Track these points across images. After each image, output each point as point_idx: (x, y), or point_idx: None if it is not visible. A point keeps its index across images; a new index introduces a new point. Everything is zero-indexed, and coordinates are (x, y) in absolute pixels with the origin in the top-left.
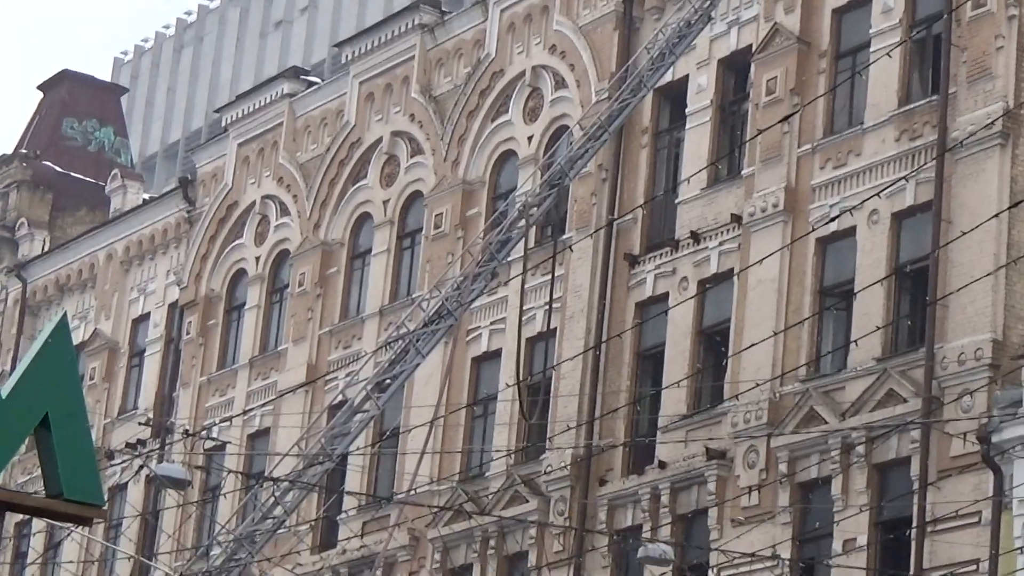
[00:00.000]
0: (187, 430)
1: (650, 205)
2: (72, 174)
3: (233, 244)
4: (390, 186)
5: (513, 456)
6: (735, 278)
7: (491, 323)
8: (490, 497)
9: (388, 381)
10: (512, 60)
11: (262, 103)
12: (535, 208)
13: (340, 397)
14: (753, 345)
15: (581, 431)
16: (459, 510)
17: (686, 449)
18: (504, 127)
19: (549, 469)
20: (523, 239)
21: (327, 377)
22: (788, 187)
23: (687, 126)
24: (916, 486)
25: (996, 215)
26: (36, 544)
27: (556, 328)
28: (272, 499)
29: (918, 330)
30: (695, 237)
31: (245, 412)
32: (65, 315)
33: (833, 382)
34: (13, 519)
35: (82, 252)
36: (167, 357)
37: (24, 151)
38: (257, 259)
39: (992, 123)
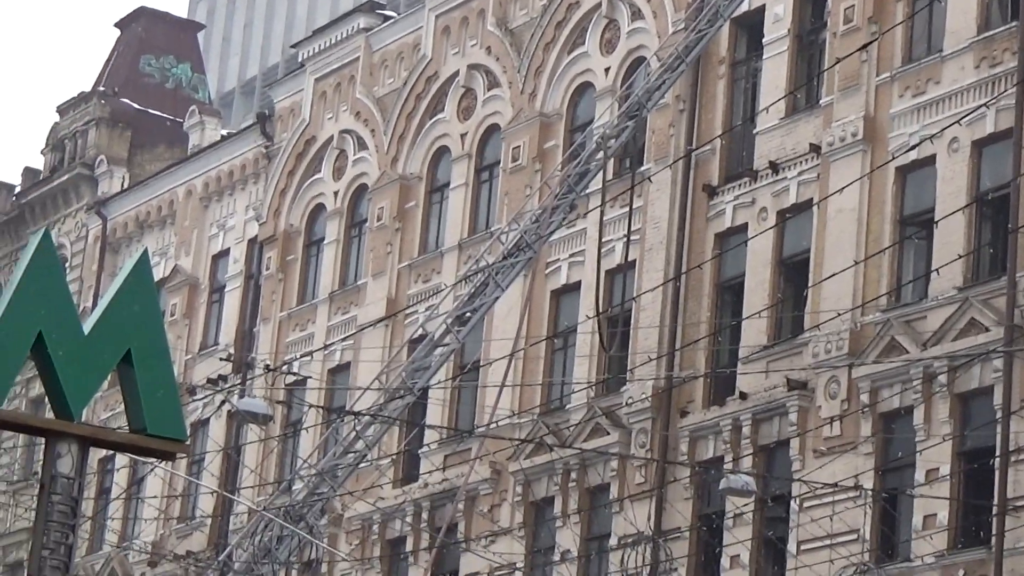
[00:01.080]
0: (268, 365)
1: (728, 136)
2: (150, 111)
3: (311, 179)
4: (467, 119)
5: (594, 388)
6: (814, 208)
7: (570, 255)
8: (571, 429)
9: (468, 314)
10: None
11: (338, 38)
12: (613, 140)
13: (420, 331)
14: (833, 275)
15: (662, 363)
16: (540, 443)
17: (767, 380)
18: (581, 59)
19: (630, 401)
20: (601, 171)
21: (407, 311)
22: (867, 116)
23: (764, 56)
24: (999, 415)
25: None
26: (120, 479)
27: (635, 260)
28: (353, 433)
29: (999, 258)
30: (774, 167)
31: (325, 347)
32: (146, 252)
33: (914, 311)
34: (97, 455)
35: (161, 189)
36: (247, 292)
37: (102, 89)
38: (335, 194)
39: None
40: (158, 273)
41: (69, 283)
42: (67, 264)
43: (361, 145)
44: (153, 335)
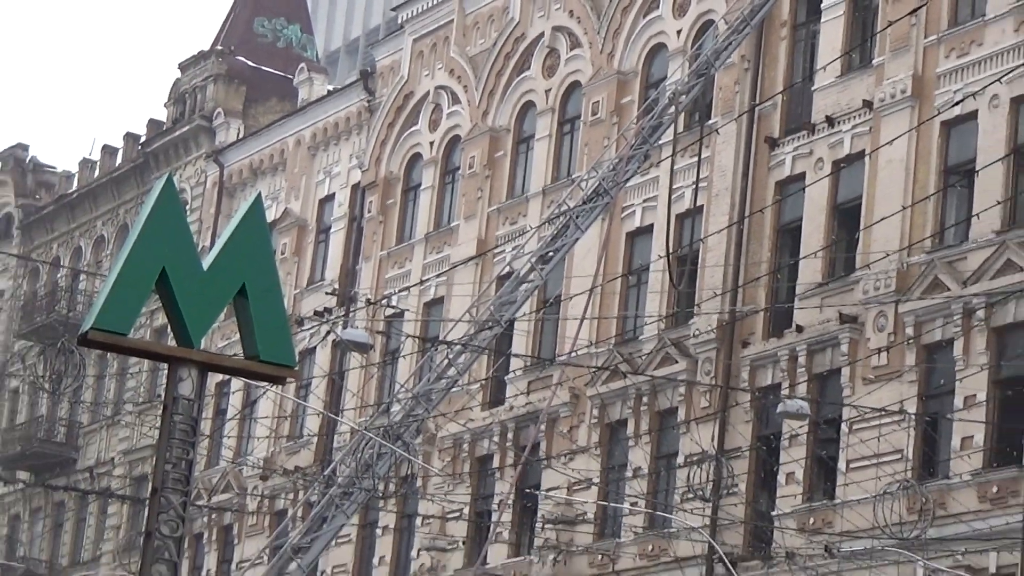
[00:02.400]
0: (369, 299)
1: (788, 92)
2: (263, 68)
3: (409, 130)
4: (551, 77)
5: (664, 321)
6: (866, 158)
7: (643, 200)
8: (643, 358)
9: (550, 254)
10: None
11: (435, 1)
12: (684, 96)
13: (507, 268)
14: (883, 219)
15: (725, 298)
16: (615, 370)
17: (821, 314)
18: (655, 22)
19: (697, 332)
20: (673, 124)
21: (495, 250)
22: (915, 75)
23: (822, 19)
24: None
25: None
26: (235, 401)
27: (703, 205)
28: (446, 361)
29: None
30: (830, 121)
31: (421, 282)
32: (259, 196)
33: (956, 253)
34: (214, 379)
35: (273, 139)
36: (350, 233)
37: (219, 48)
38: (431, 144)
39: None
40: (270, 215)
41: (189, 224)
42: (187, 207)
43: (454, 100)
44: (265, 271)
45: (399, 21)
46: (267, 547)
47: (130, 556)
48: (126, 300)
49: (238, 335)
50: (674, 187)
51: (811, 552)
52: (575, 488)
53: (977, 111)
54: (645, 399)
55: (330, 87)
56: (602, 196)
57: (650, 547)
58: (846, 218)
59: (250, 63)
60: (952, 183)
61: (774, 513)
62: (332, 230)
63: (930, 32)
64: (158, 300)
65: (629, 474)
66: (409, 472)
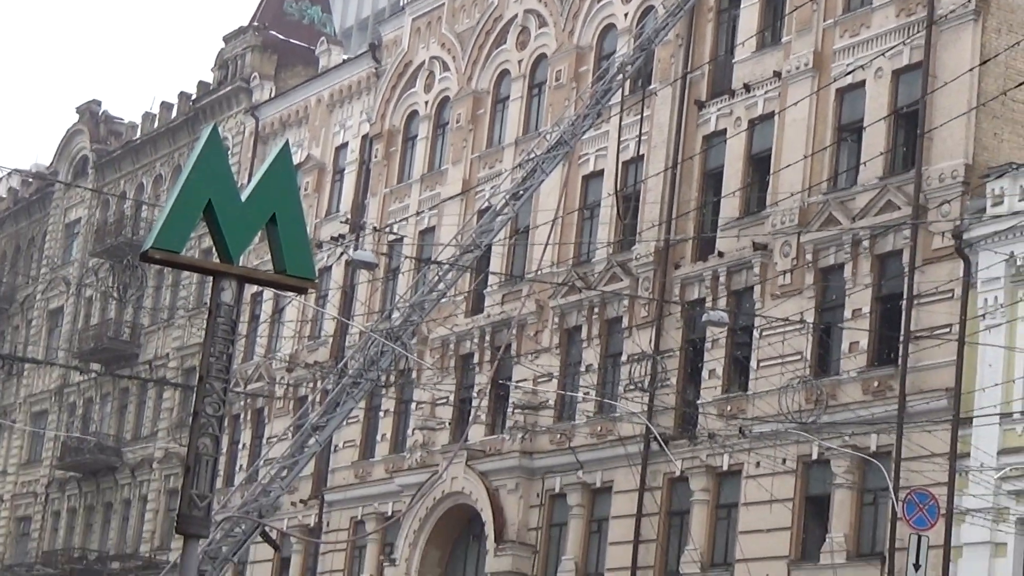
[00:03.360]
0: (375, 227)
1: (714, 63)
2: (291, 41)
3: (408, 92)
4: (523, 50)
5: (611, 247)
6: (776, 117)
7: (596, 150)
8: (595, 276)
9: (521, 192)
10: None
11: None
12: (629, 66)
13: (486, 203)
14: (788, 166)
15: (662, 229)
16: (572, 286)
17: (738, 242)
18: (607, 6)
19: (638, 256)
20: (620, 89)
21: (477, 189)
22: (815, 51)
23: (741, 5)
24: (906, 270)
25: (969, 70)
26: (266, 308)
27: (644, 154)
28: (437, 277)
29: (911, 156)
30: (747, 87)
31: (417, 214)
32: (287, 143)
33: (847, 194)
34: (250, 290)
35: (298, 98)
36: (360, 174)
37: (256, 24)
38: (426, 103)
39: (968, 2)
40: (295, 159)
41: (231, 165)
42: (229, 152)
43: (445, 68)
44: (292, 203)
45: (401, 3)
46: (291, 426)
47: (181, 432)
48: (179, 225)
49: (269, 255)
50: (621, 139)
51: (728, 433)
52: (539, 380)
53: (865, 80)
54: (596, 309)
55: (345, 56)
56: (563, 146)
57: (599, 428)
58: (759, 165)
59: (280, 36)
60: (844, 138)
61: (699, 401)
62: (346, 171)
63: (828, 16)
64: (205, 226)
65: (583, 369)
66: (406, 366)
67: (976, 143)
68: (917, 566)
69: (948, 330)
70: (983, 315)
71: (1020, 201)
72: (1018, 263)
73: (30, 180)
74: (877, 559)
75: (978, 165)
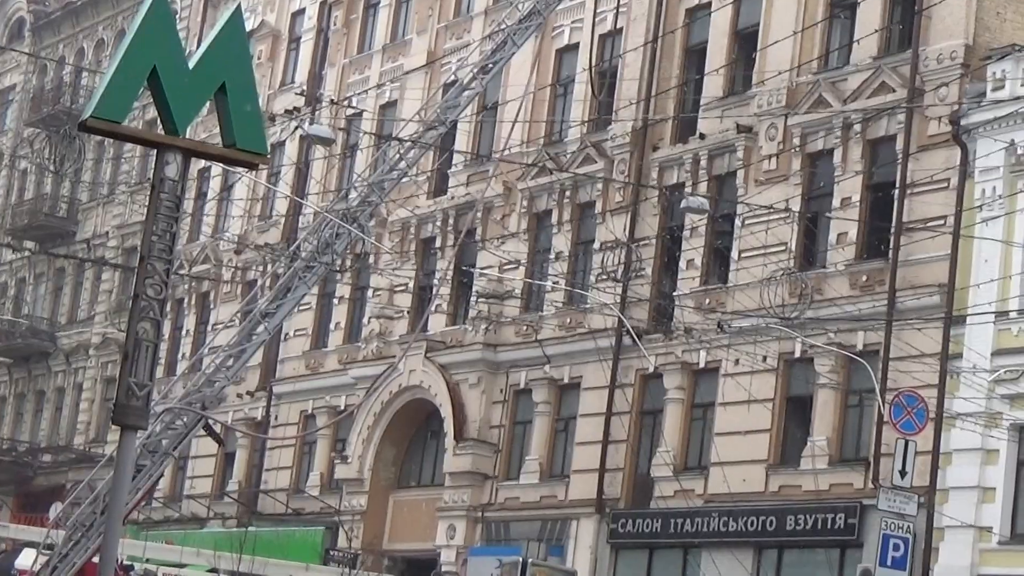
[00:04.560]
0: (332, 100)
1: None
2: None
3: None
4: None
5: (585, 126)
6: None
7: (571, 22)
8: (567, 157)
9: (490, 65)
10: None
11: None
12: None
13: (452, 77)
14: (776, 43)
15: (639, 107)
16: (543, 167)
17: (721, 124)
18: None
19: (614, 136)
20: None
21: (442, 61)
22: None
23: None
24: (900, 157)
25: None
26: (214, 185)
27: (622, 27)
28: (398, 155)
29: (907, 35)
30: None
31: (378, 87)
32: (239, 6)
33: (838, 74)
34: (197, 165)
35: None
36: (318, 43)
37: None
38: None
39: None
40: (248, 25)
41: (178, 31)
42: (177, 16)
43: None
44: (243, 71)
45: None
46: (239, 312)
47: (120, 316)
48: (121, 92)
49: (218, 127)
50: (598, 11)
51: (706, 328)
52: (505, 268)
53: None
54: (568, 192)
55: None
56: (536, 17)
57: (568, 320)
58: (745, 42)
59: None
60: (837, 14)
61: (675, 293)
62: (302, 40)
63: None
64: (150, 95)
65: (552, 257)
66: (363, 250)
67: (977, 22)
68: (903, 473)
69: (942, 222)
70: (980, 207)
71: (1022, 86)
72: (1018, 152)
73: None
74: (861, 464)
75: (979, 46)
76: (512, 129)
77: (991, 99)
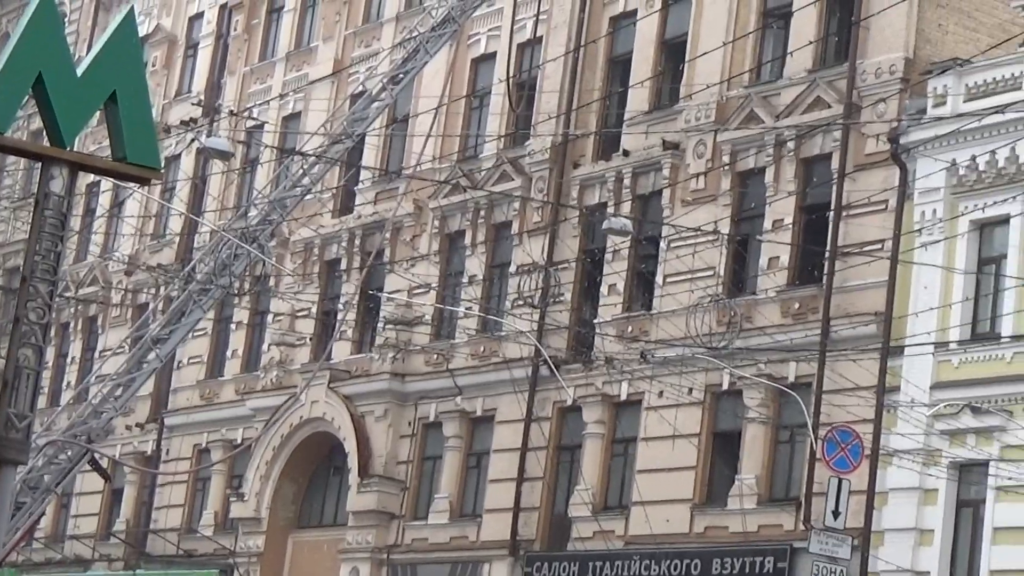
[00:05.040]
0: (232, 110)
1: None
2: None
3: None
4: None
5: (502, 140)
6: None
7: (488, 29)
8: (482, 174)
9: (401, 75)
10: None
11: None
12: None
13: (360, 87)
14: (705, 54)
15: (560, 122)
16: (456, 184)
17: (646, 140)
18: None
19: (532, 152)
20: None
21: (350, 70)
22: None
23: None
24: (835, 177)
25: None
26: (103, 201)
27: (542, 36)
28: (301, 170)
29: (844, 47)
30: None
31: (281, 97)
32: (132, 10)
33: (771, 88)
34: (85, 179)
35: None
36: (217, 49)
37: None
38: None
39: None
40: (142, 30)
41: (66, 35)
42: (66, 19)
43: None
44: (135, 80)
45: None
46: (128, 337)
47: None
48: (4, 101)
49: (108, 140)
50: (516, 18)
51: (628, 358)
52: (415, 292)
53: None
54: (483, 212)
55: None
56: (450, 24)
57: (481, 348)
58: (672, 52)
59: None
60: (769, 24)
61: (596, 321)
62: (200, 46)
63: None
64: (34, 104)
65: (465, 281)
66: (263, 272)
67: (918, 35)
68: (836, 513)
69: (880, 246)
70: (919, 230)
71: (965, 102)
72: (960, 172)
73: None
74: (792, 504)
75: (919, 60)
76: (424, 144)
77: (932, 116)
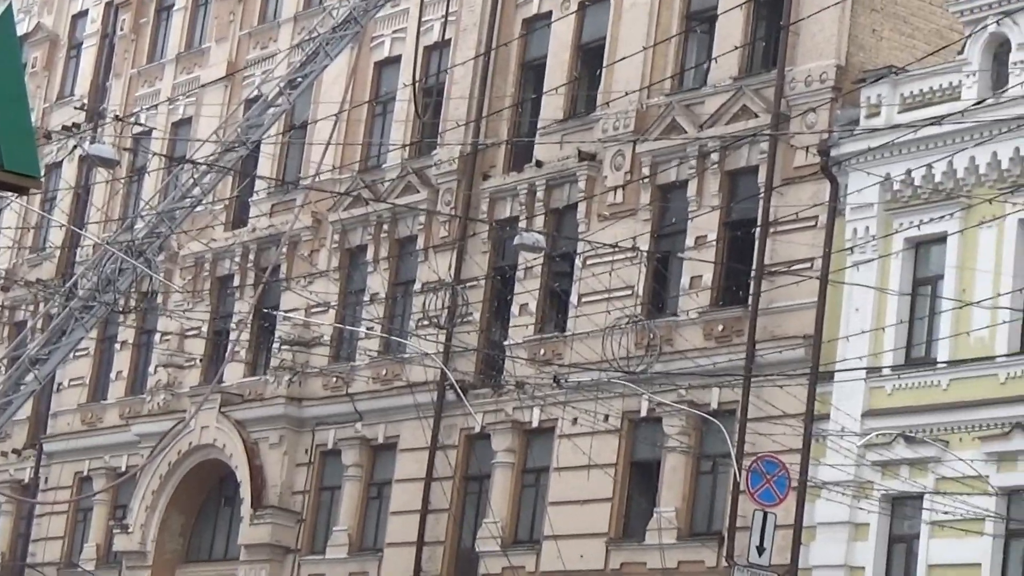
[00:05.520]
0: (117, 116)
1: None
2: None
3: None
4: None
5: (407, 150)
6: (612, 0)
7: (393, 31)
8: (385, 185)
9: (299, 79)
10: None
11: None
12: None
13: (256, 92)
14: (624, 59)
15: (469, 130)
16: (357, 196)
17: (561, 150)
18: None
19: (439, 163)
20: None
21: (245, 73)
22: None
23: None
24: (762, 191)
25: None
26: None
27: (450, 38)
28: (191, 180)
29: (772, 53)
30: None
31: (170, 101)
32: (10, 7)
33: (694, 96)
34: None
35: None
36: (102, 50)
37: None
38: None
39: None
40: (21, 29)
41: None
42: None
43: None
44: (13, 82)
45: None
46: (5, 357)
47: None
48: None
49: None
50: (423, 19)
51: (540, 382)
52: (313, 311)
53: None
54: (386, 226)
55: None
56: (352, 25)
57: (384, 371)
58: (589, 57)
59: None
60: (693, 28)
61: (506, 343)
62: (84, 46)
63: None
64: None
65: (367, 299)
66: (150, 288)
67: (851, 41)
68: (761, 549)
69: (809, 265)
70: (851, 248)
71: (900, 113)
72: (895, 187)
73: None
74: (714, 539)
75: (852, 67)
76: (324, 153)
77: (865, 127)
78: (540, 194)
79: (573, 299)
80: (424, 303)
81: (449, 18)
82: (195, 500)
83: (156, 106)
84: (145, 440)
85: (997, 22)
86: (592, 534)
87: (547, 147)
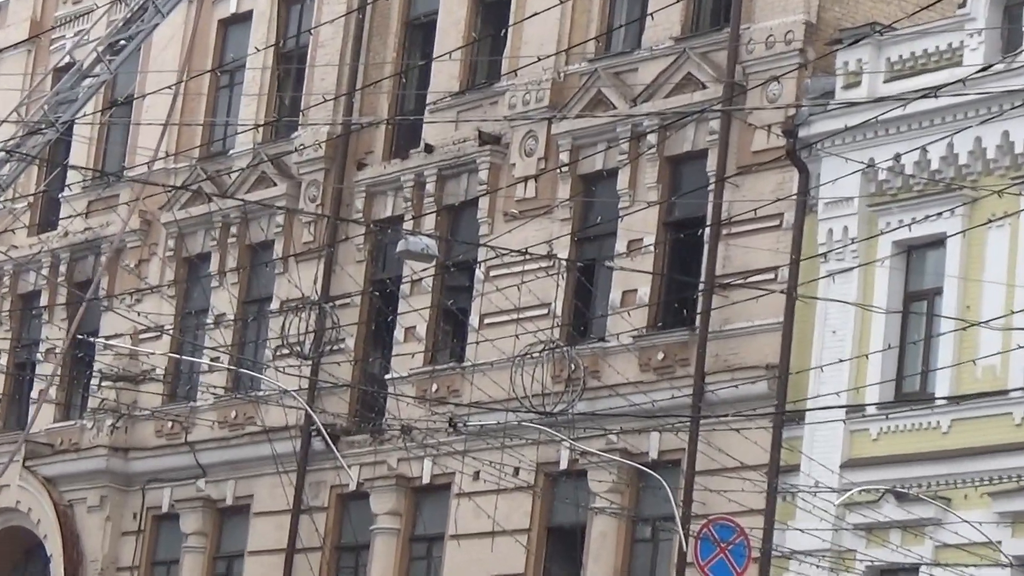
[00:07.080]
0: None
1: None
2: None
3: None
4: None
5: (261, 132)
6: None
7: None
8: (233, 177)
9: (123, 42)
10: None
11: None
12: None
13: (67, 59)
14: (536, 15)
15: (339, 106)
16: (197, 191)
17: (456, 131)
18: None
19: (301, 148)
20: None
21: (53, 35)
22: None
23: None
24: (712, 182)
25: None
26: None
27: None
28: None
29: (722, 7)
30: None
31: None
32: None
33: (625, 62)
34: None
35: None
36: None
37: None
38: None
39: None
40: None
41: None
42: None
43: None
44: None
45: None
46: None
47: None
48: None
49: None
50: None
51: (432, 426)
52: (142, 337)
53: None
54: (234, 229)
55: None
56: None
57: (233, 414)
58: (492, 12)
59: None
60: None
61: (388, 377)
62: None
63: None
64: None
65: (210, 321)
66: None
67: None
68: None
69: (773, 276)
70: (825, 255)
71: (886, 82)
72: (880, 176)
73: None
74: None
75: (825, 25)
76: (162, 137)
77: (841, 100)
78: (430, 187)
79: (473, 321)
80: (284, 326)
81: None
82: None
83: None
84: None
85: None
86: None
87: (439, 127)
